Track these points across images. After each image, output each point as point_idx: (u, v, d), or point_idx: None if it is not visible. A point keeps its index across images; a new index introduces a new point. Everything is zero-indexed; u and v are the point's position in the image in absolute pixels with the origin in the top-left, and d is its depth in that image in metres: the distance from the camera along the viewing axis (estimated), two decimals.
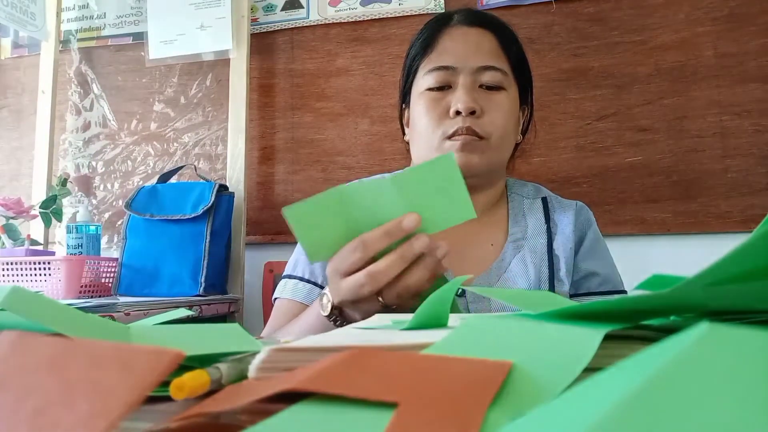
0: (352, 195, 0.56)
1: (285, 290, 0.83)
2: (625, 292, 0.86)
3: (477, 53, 0.81)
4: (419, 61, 0.86)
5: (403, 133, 0.94)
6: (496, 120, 0.80)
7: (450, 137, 0.80)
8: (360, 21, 1.71)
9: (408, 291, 0.57)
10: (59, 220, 1.65)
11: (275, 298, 0.85)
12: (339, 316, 0.64)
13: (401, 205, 0.56)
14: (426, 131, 0.82)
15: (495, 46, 0.83)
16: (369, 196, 0.56)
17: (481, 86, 0.81)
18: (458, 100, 0.79)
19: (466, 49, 0.82)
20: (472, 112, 0.79)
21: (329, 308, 0.63)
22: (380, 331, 0.39)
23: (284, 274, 0.87)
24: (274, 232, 1.73)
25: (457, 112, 0.79)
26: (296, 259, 0.86)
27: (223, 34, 1.74)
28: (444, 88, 0.82)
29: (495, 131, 0.80)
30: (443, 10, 1.63)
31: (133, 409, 0.18)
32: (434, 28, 0.86)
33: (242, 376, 0.27)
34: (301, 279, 0.83)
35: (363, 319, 0.58)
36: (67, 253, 1.47)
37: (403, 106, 0.92)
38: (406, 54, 0.90)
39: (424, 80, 0.84)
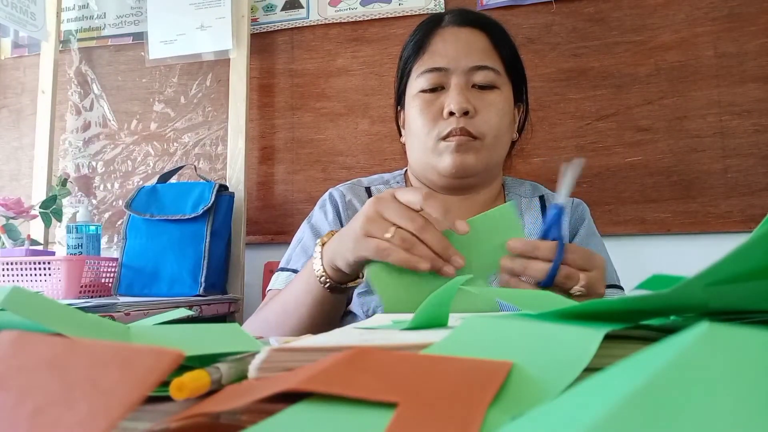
0: None
1: (277, 282, 0.84)
2: (620, 287, 0.86)
3: (469, 53, 0.82)
4: (412, 63, 0.86)
5: (400, 135, 0.94)
6: (490, 120, 0.80)
7: (444, 138, 0.80)
8: (360, 21, 1.71)
9: (411, 245, 0.58)
10: (59, 220, 1.65)
11: (268, 290, 0.86)
12: (327, 275, 0.65)
13: (467, 248, 0.60)
14: (421, 133, 0.82)
15: (487, 46, 0.83)
16: None
17: (474, 86, 0.81)
18: (451, 101, 0.79)
19: (457, 49, 0.82)
20: (466, 113, 0.79)
21: (321, 265, 0.65)
22: (380, 331, 0.39)
23: (278, 267, 0.87)
24: (274, 232, 1.73)
25: (451, 113, 0.79)
26: (290, 253, 0.87)
27: (223, 34, 1.74)
28: (437, 89, 0.82)
29: (489, 131, 0.80)
30: (443, 10, 1.63)
31: (133, 409, 0.18)
32: (426, 29, 0.86)
33: (242, 376, 0.27)
34: (294, 272, 0.84)
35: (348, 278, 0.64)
36: (67, 253, 1.47)
37: (399, 107, 0.93)
38: (399, 56, 0.90)
39: (417, 82, 0.84)
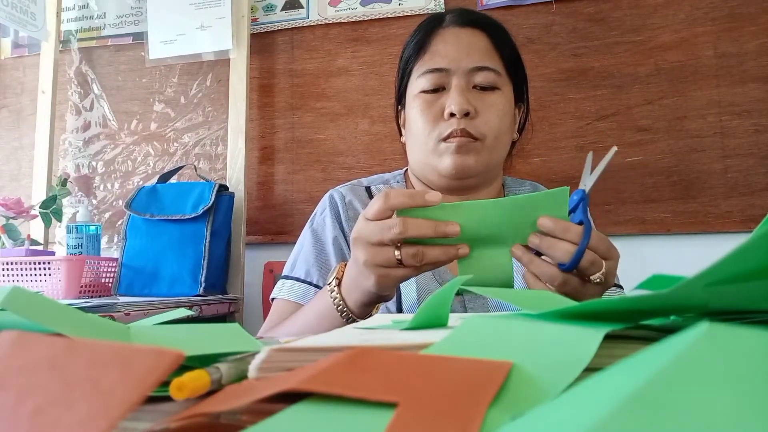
0: (458, 213, 0.56)
1: (282, 291, 0.84)
2: (620, 287, 0.86)
3: (469, 54, 0.81)
4: (413, 63, 0.86)
5: (400, 134, 0.94)
6: (491, 120, 0.80)
7: (445, 139, 0.80)
8: (360, 21, 1.71)
9: (422, 256, 0.56)
10: (59, 220, 1.65)
11: (272, 299, 0.86)
12: (341, 298, 0.64)
13: (506, 227, 0.57)
14: (421, 134, 0.82)
15: (488, 46, 0.83)
16: (475, 216, 0.56)
17: (474, 87, 0.81)
18: (452, 101, 0.79)
19: (458, 50, 0.82)
20: (466, 114, 0.79)
21: (343, 306, 0.64)
22: (380, 331, 0.39)
23: (282, 274, 0.87)
24: (274, 232, 1.73)
25: (452, 114, 0.79)
26: (294, 260, 0.87)
27: (223, 34, 1.74)
28: (438, 90, 0.82)
29: (490, 132, 0.80)
30: (443, 10, 1.63)
31: (133, 409, 0.18)
32: (427, 29, 0.86)
33: (242, 376, 0.27)
34: (297, 279, 0.83)
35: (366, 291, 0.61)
36: (67, 253, 1.47)
37: (399, 108, 0.93)
38: (400, 56, 0.90)
39: (418, 82, 0.84)
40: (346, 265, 0.66)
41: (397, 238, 0.56)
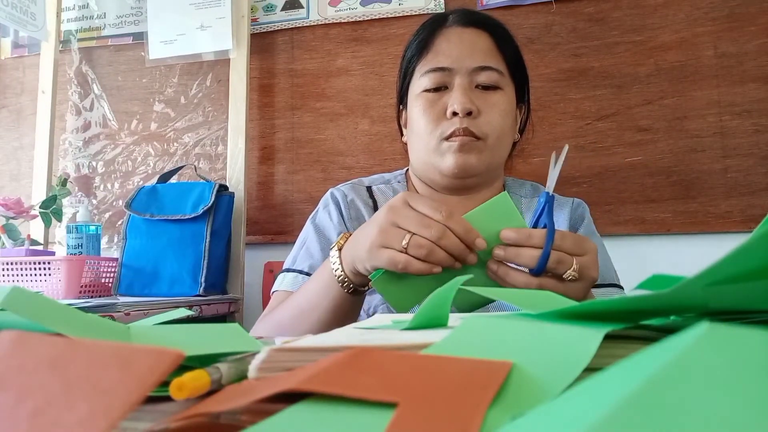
0: None
1: (283, 282, 0.84)
2: (620, 287, 0.86)
3: (472, 54, 0.82)
4: (415, 62, 0.86)
5: (401, 134, 0.94)
6: (493, 120, 0.80)
7: (447, 138, 0.80)
8: (360, 21, 1.71)
9: (429, 251, 0.57)
10: (59, 220, 1.65)
11: (273, 291, 0.85)
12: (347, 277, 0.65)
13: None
14: (423, 133, 0.82)
15: (490, 46, 0.83)
16: None
17: (477, 86, 0.82)
18: (455, 101, 0.79)
19: (461, 49, 0.82)
20: (469, 113, 0.79)
21: (341, 270, 0.65)
22: (380, 331, 0.39)
23: (283, 268, 0.87)
24: (274, 232, 1.73)
25: (454, 113, 0.79)
26: (295, 255, 0.87)
27: (223, 34, 1.74)
28: (440, 89, 0.82)
29: (492, 131, 0.80)
30: (443, 10, 1.63)
31: (133, 409, 0.18)
32: (430, 29, 0.86)
33: (242, 376, 0.27)
34: (300, 272, 0.83)
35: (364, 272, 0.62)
36: (67, 253, 1.47)
37: (401, 107, 0.93)
38: (402, 55, 0.90)
39: (420, 82, 0.84)
40: (350, 235, 0.67)
41: (432, 238, 0.57)
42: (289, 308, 0.73)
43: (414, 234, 0.57)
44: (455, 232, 0.58)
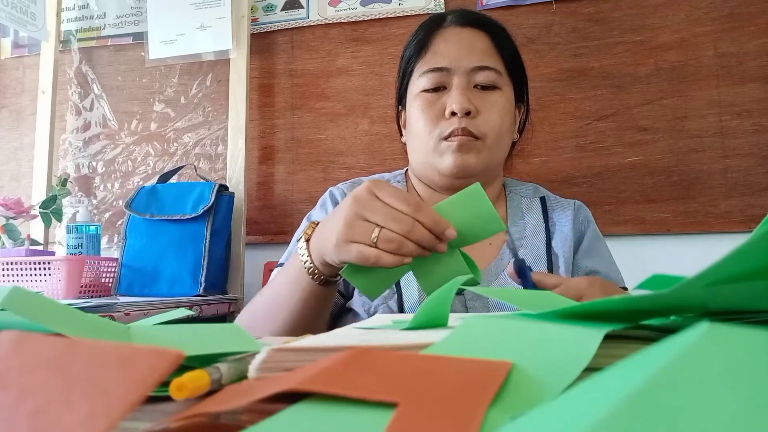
0: None
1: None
2: (626, 288, 0.86)
3: (471, 54, 0.82)
4: (414, 62, 0.86)
5: (401, 134, 0.94)
6: (492, 120, 0.81)
7: (446, 138, 0.80)
8: (360, 21, 1.71)
9: (399, 245, 0.56)
10: (59, 220, 1.65)
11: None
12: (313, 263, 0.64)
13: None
14: (422, 133, 0.82)
15: (489, 46, 0.83)
16: None
17: (475, 86, 0.82)
18: (453, 100, 0.79)
19: (459, 49, 0.82)
20: (468, 113, 0.79)
21: (310, 261, 0.64)
22: (380, 331, 0.39)
23: (278, 263, 0.87)
24: (274, 232, 1.73)
25: (453, 113, 0.79)
26: (290, 250, 0.87)
27: (223, 34, 1.74)
28: (439, 89, 0.82)
29: (490, 131, 0.80)
30: (443, 10, 1.63)
31: (133, 409, 0.18)
32: (428, 29, 0.86)
33: (242, 376, 0.27)
34: None
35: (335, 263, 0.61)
36: (67, 253, 1.47)
37: (400, 107, 0.93)
38: (401, 56, 0.90)
39: (419, 82, 0.84)
40: (317, 225, 0.66)
41: (401, 232, 0.56)
42: (263, 300, 0.73)
43: (383, 228, 0.56)
44: (424, 224, 0.56)
